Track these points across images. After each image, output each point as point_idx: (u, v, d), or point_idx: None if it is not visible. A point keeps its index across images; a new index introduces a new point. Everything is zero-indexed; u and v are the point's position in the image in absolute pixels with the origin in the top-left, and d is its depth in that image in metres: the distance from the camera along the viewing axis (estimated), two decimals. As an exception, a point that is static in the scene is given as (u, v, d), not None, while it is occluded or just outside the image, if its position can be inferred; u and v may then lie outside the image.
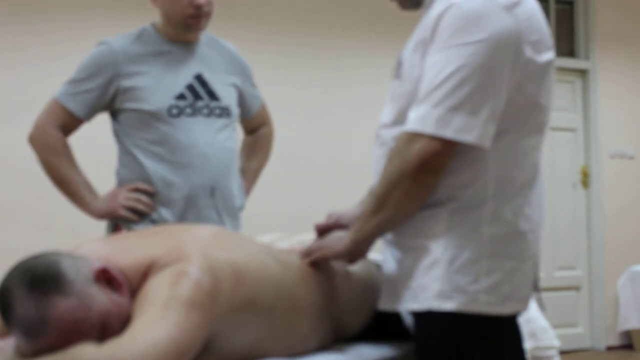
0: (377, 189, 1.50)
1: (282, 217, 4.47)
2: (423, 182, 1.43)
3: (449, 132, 1.40)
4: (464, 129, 1.40)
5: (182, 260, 1.41)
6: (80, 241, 1.63)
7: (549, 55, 1.49)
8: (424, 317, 1.48)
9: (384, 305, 1.58)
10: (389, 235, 1.57)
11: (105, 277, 1.39)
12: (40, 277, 1.31)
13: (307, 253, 1.70)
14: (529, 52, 1.44)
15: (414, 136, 1.42)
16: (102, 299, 1.35)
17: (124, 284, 1.41)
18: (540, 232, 1.57)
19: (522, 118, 1.47)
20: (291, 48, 4.73)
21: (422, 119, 1.42)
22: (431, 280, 1.45)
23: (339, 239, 1.62)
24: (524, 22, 1.44)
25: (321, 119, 4.80)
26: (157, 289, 1.37)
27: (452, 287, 1.43)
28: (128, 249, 1.49)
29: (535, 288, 1.55)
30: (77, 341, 1.29)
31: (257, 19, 4.66)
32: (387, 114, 1.58)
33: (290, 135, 4.59)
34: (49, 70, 2.50)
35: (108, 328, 1.35)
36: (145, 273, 1.42)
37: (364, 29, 4.81)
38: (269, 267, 1.59)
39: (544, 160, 1.60)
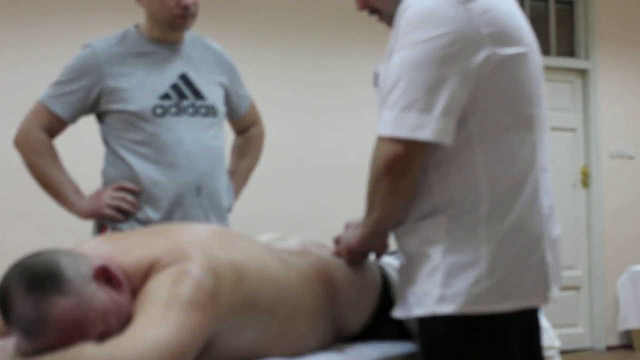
0: (366, 192, 1.54)
1: (281, 217, 4.47)
2: (394, 183, 1.46)
3: (404, 132, 1.41)
4: (418, 127, 1.40)
5: (184, 260, 1.41)
6: (80, 241, 1.62)
7: (520, 48, 1.48)
8: (428, 322, 1.49)
9: (396, 312, 1.59)
10: (399, 243, 1.59)
11: (105, 276, 1.39)
12: (39, 276, 1.31)
13: (335, 250, 1.79)
14: (487, 45, 1.43)
15: (379, 140, 1.46)
16: (101, 297, 1.35)
17: (123, 282, 1.41)
18: (551, 224, 1.54)
19: (498, 114, 1.46)
20: (290, 48, 4.73)
21: (382, 123, 1.45)
22: (433, 286, 1.46)
23: (354, 236, 1.69)
24: (479, 16, 1.43)
25: (320, 119, 4.80)
26: (158, 289, 1.37)
27: (454, 291, 1.44)
28: (129, 248, 1.49)
29: (547, 282, 1.52)
30: (78, 340, 1.29)
31: (256, 20, 4.66)
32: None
33: (288, 135, 4.59)
34: (49, 70, 2.49)
35: (108, 327, 1.34)
36: (147, 272, 1.42)
37: (361, 29, 4.80)
38: (271, 267, 1.59)
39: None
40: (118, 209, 2.20)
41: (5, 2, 4.11)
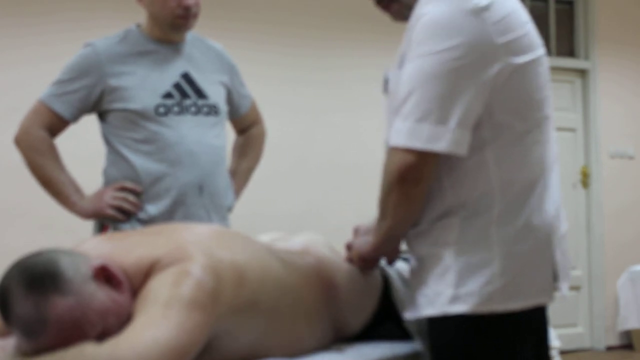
0: (378, 200, 1.54)
1: (281, 217, 4.46)
2: (407, 193, 1.46)
3: (419, 143, 1.41)
4: (433, 139, 1.41)
5: (185, 260, 1.41)
6: (80, 241, 1.62)
7: (531, 55, 1.48)
8: (439, 322, 1.50)
9: (406, 315, 1.59)
10: (410, 246, 1.59)
11: (105, 275, 1.38)
12: (39, 275, 1.31)
13: (347, 257, 1.78)
14: (502, 55, 1.43)
15: (392, 150, 1.46)
16: (101, 297, 1.35)
17: (123, 281, 1.41)
18: (559, 221, 1.56)
19: (511, 120, 1.47)
20: (290, 48, 4.73)
21: (396, 133, 1.45)
22: (445, 286, 1.47)
23: (366, 243, 1.69)
24: (493, 25, 1.43)
25: (320, 119, 4.80)
26: (159, 289, 1.37)
27: (467, 291, 1.45)
28: (130, 248, 1.49)
29: (555, 279, 1.53)
30: (77, 339, 1.29)
31: (256, 20, 4.66)
32: (385, 129, 1.60)
33: (288, 135, 4.59)
34: (49, 70, 2.49)
35: (108, 326, 1.34)
36: (148, 272, 1.42)
37: (361, 29, 4.81)
38: (272, 267, 1.59)
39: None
40: (119, 209, 2.19)
41: (5, 2, 4.11)
